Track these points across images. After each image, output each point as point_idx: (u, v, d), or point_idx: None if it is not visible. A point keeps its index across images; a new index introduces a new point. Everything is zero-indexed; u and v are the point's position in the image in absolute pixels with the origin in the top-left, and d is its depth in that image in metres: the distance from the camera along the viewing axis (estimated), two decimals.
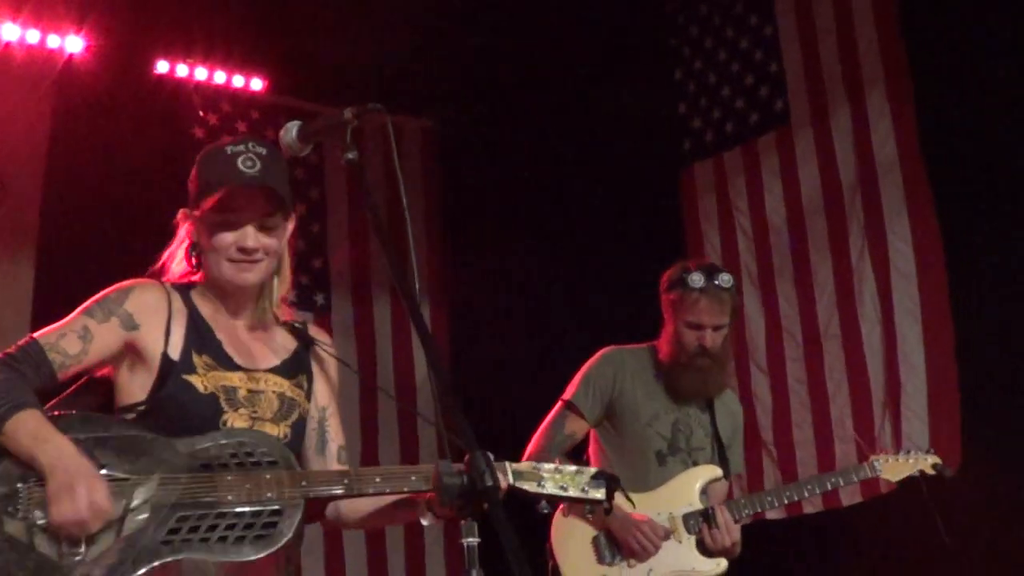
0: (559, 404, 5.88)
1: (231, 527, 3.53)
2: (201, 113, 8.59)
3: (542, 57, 8.98)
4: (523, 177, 9.21)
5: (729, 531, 5.62)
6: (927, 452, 6.06)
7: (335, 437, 4.03)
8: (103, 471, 3.51)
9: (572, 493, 3.81)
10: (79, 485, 3.43)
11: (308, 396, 3.97)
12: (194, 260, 3.89)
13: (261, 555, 3.51)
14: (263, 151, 3.79)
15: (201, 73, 8.64)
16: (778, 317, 8.43)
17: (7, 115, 7.68)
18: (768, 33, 8.61)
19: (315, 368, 4.04)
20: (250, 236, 3.81)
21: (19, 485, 3.47)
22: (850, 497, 7.72)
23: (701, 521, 5.66)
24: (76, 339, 3.70)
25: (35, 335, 3.70)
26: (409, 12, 8.31)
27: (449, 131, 9.58)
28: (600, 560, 5.71)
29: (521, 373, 7.44)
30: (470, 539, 2.91)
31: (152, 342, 3.76)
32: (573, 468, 3.85)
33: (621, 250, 8.51)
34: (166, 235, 4.07)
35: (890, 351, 7.84)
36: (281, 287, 4.01)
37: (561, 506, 5.77)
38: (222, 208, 3.78)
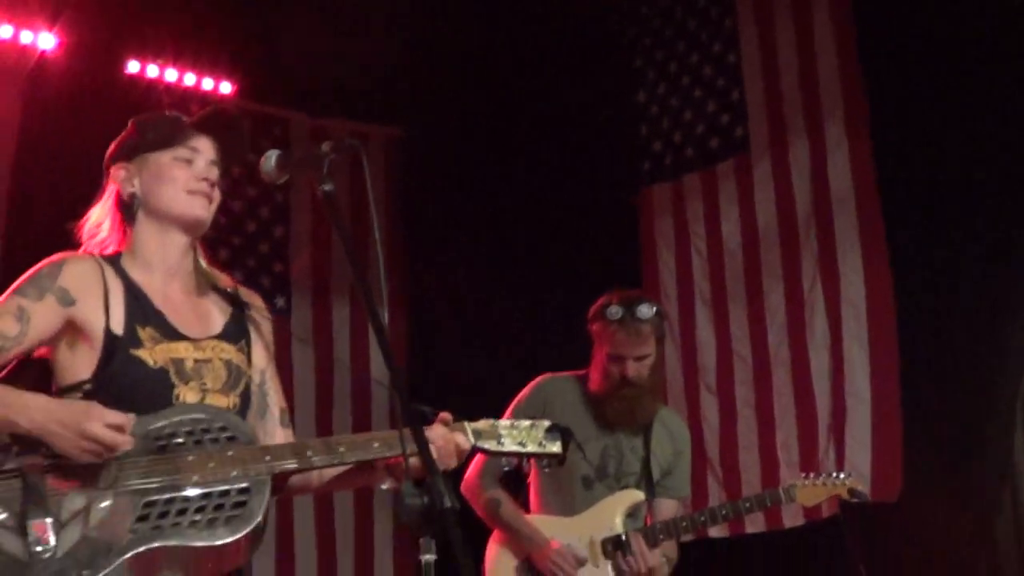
0: None
1: (201, 510, 3.43)
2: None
3: (507, 70, 9.07)
4: (485, 189, 9.29)
5: (644, 557, 5.73)
6: (846, 477, 6.06)
7: (277, 400, 3.94)
8: (56, 460, 3.40)
9: (531, 448, 3.95)
10: (87, 423, 3.35)
11: (249, 361, 3.87)
12: (125, 220, 3.78)
13: (237, 536, 3.43)
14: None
15: (171, 75, 8.70)
16: (729, 340, 8.53)
17: None
18: (731, 60, 8.72)
19: (252, 332, 3.94)
20: (208, 168, 3.84)
21: None
22: (792, 519, 7.84)
23: (615, 548, 5.78)
24: (13, 320, 3.53)
25: None
26: (378, 21, 8.40)
27: (414, 140, 9.65)
28: None
29: (477, 382, 7.51)
30: (427, 556, 3.02)
31: (92, 317, 3.62)
32: (527, 423, 4.01)
33: (578, 265, 8.58)
34: None
35: (837, 378, 7.96)
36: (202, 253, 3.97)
37: (495, 532, 5.96)
38: (181, 142, 3.81)
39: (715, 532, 8.16)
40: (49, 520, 3.30)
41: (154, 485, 3.43)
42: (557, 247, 8.91)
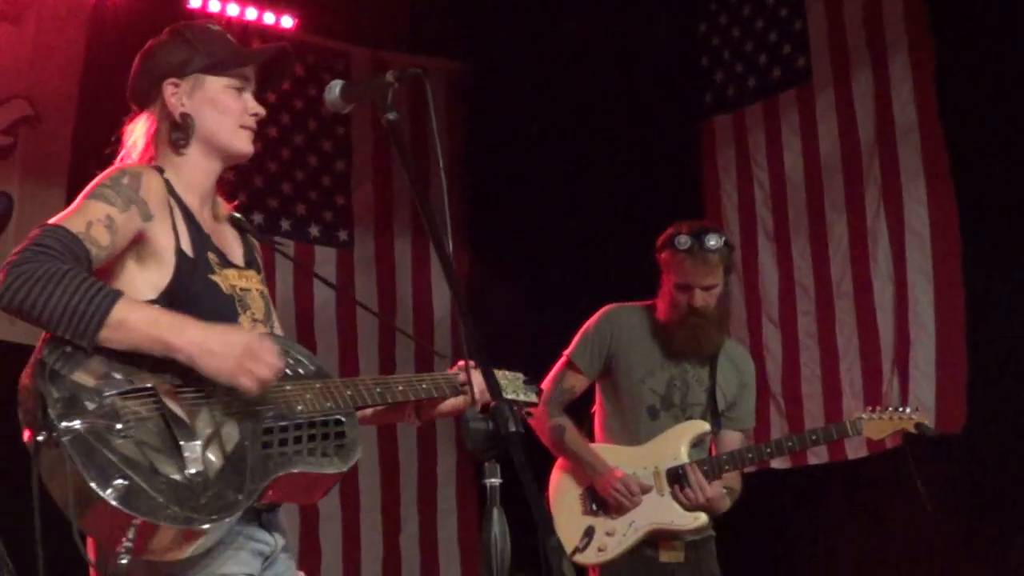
0: (562, 359, 6.03)
1: (312, 439, 3.44)
2: None
3: (569, 2, 9.05)
4: (546, 123, 9.27)
5: (702, 489, 5.75)
6: (913, 411, 6.05)
7: (279, 330, 3.83)
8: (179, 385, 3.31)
9: (511, 395, 4.06)
10: (256, 344, 3.32)
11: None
12: (173, 141, 3.63)
13: (350, 465, 3.49)
14: None
15: (233, 9, 8.68)
16: (792, 272, 8.50)
17: (41, 47, 7.76)
18: None
19: (260, 260, 3.89)
20: (256, 104, 3.76)
21: (111, 395, 3.20)
22: (856, 451, 7.81)
23: (673, 481, 5.81)
24: (104, 229, 3.33)
25: (58, 222, 3.31)
26: None
27: (476, 74, 9.62)
28: (586, 511, 5.91)
29: (540, 316, 7.55)
30: (492, 480, 3.02)
31: (163, 236, 3.48)
32: (509, 373, 4.13)
33: (640, 199, 8.57)
34: None
35: (901, 310, 7.92)
36: None
37: (559, 459, 6.01)
38: (235, 69, 3.70)
39: (777, 463, 8.17)
40: (198, 443, 3.24)
41: (269, 413, 3.41)
42: (619, 182, 8.88)
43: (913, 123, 7.95)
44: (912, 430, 6.03)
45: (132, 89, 3.73)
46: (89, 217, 3.33)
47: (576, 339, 6.04)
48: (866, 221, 8.13)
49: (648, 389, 5.93)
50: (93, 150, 7.62)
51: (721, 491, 5.84)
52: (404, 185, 9.06)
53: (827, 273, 8.33)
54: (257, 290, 3.69)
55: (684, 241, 5.79)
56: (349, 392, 3.58)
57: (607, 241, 8.77)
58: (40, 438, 3.13)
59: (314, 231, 8.98)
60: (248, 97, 3.72)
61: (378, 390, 3.69)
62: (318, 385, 3.54)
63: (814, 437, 6.04)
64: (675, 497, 5.80)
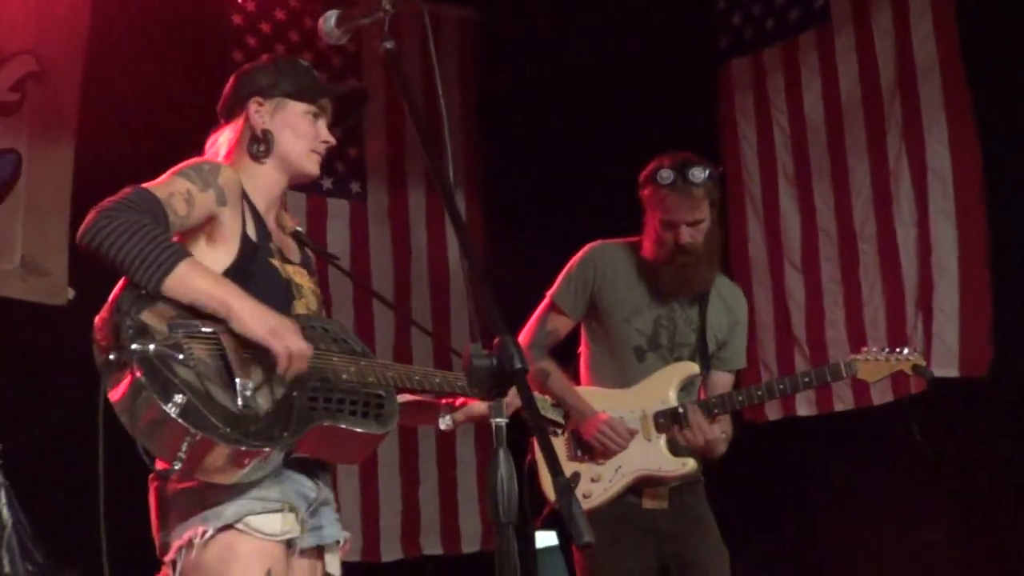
0: (544, 301, 5.87)
1: (354, 403, 3.81)
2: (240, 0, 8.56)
3: None
4: (560, 69, 9.15)
5: (702, 430, 5.58)
6: (910, 352, 5.83)
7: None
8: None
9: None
10: (297, 336, 3.68)
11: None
12: (252, 153, 4.02)
13: (387, 430, 3.87)
14: None
15: None
16: (813, 215, 8.40)
17: (46, 1, 7.67)
18: None
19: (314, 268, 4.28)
20: (329, 132, 4.14)
21: (178, 332, 3.57)
22: (880, 395, 7.74)
23: (672, 421, 5.64)
24: (183, 202, 3.74)
25: (146, 186, 3.73)
26: None
27: (488, 22, 9.50)
28: (571, 456, 5.72)
29: (553, 265, 7.44)
30: (499, 419, 2.94)
31: (233, 221, 3.86)
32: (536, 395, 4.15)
33: (657, 144, 8.45)
34: (205, 117, 4.25)
35: (924, 253, 7.83)
36: None
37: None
38: (314, 98, 4.09)
39: (804, 410, 8.13)
40: (251, 384, 3.60)
41: (317, 376, 3.77)
42: (635, 127, 8.76)
43: (934, 61, 7.84)
44: (909, 372, 5.84)
45: (222, 103, 4.15)
46: (172, 189, 3.74)
47: (559, 279, 5.88)
48: (888, 163, 8.03)
49: (634, 329, 5.76)
50: (101, 107, 7.63)
51: (720, 434, 5.68)
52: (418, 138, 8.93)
53: (849, 216, 8.24)
54: (310, 288, 4.08)
55: (667, 175, 5.59)
56: (391, 373, 3.94)
57: (623, 188, 8.66)
58: (111, 356, 3.49)
59: (326, 183, 8.86)
60: (322, 125, 4.10)
61: (416, 378, 4.03)
62: (363, 363, 3.90)
63: (807, 379, 5.82)
64: (670, 441, 5.65)
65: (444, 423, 4.27)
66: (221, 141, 4.09)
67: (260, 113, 4.03)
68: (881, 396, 7.68)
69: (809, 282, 8.38)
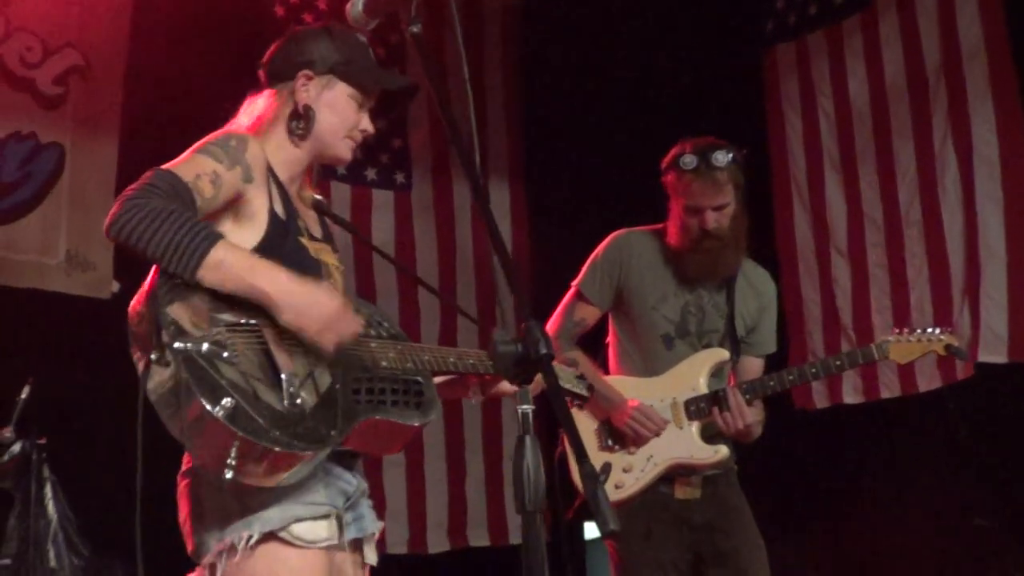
0: (571, 290, 5.83)
1: (395, 392, 3.69)
2: None
3: None
4: (604, 55, 9.11)
5: (743, 413, 5.53)
6: (943, 332, 5.74)
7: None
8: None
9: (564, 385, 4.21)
10: (340, 311, 3.55)
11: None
12: (291, 128, 3.87)
13: (429, 419, 3.74)
14: None
15: None
16: (859, 201, 8.34)
17: None
18: None
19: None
20: (369, 122, 3.99)
21: (220, 327, 3.41)
22: (928, 382, 7.70)
23: (711, 404, 5.58)
24: (209, 183, 3.56)
25: (169, 168, 3.56)
26: None
27: (531, 7, 9.47)
28: (602, 447, 5.69)
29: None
30: (524, 406, 2.93)
31: (259, 199, 3.71)
32: (562, 367, 4.23)
33: (701, 132, 8.42)
34: None
35: (971, 237, 7.76)
36: None
37: None
38: (364, 83, 3.94)
39: (850, 398, 8.09)
40: (297, 379, 3.45)
41: (357, 365, 3.65)
42: (680, 115, 8.72)
43: (979, 44, 7.76)
44: (943, 352, 5.75)
45: (268, 62, 3.99)
46: (197, 169, 3.56)
47: (584, 268, 5.83)
48: (933, 147, 7.96)
49: (661, 317, 5.71)
50: (144, 100, 7.66)
51: (758, 417, 5.64)
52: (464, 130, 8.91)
53: (895, 202, 8.18)
54: (334, 265, 3.92)
55: (689, 161, 5.55)
56: (427, 356, 3.82)
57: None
58: (153, 356, 3.33)
59: (371, 174, 8.87)
60: (364, 113, 3.96)
61: (451, 359, 3.91)
62: (399, 347, 3.78)
63: (838, 363, 5.73)
64: (709, 424, 5.60)
65: (476, 397, 4.21)
66: (259, 105, 3.93)
67: (307, 88, 3.87)
68: (928, 383, 7.65)
69: (855, 269, 8.33)
